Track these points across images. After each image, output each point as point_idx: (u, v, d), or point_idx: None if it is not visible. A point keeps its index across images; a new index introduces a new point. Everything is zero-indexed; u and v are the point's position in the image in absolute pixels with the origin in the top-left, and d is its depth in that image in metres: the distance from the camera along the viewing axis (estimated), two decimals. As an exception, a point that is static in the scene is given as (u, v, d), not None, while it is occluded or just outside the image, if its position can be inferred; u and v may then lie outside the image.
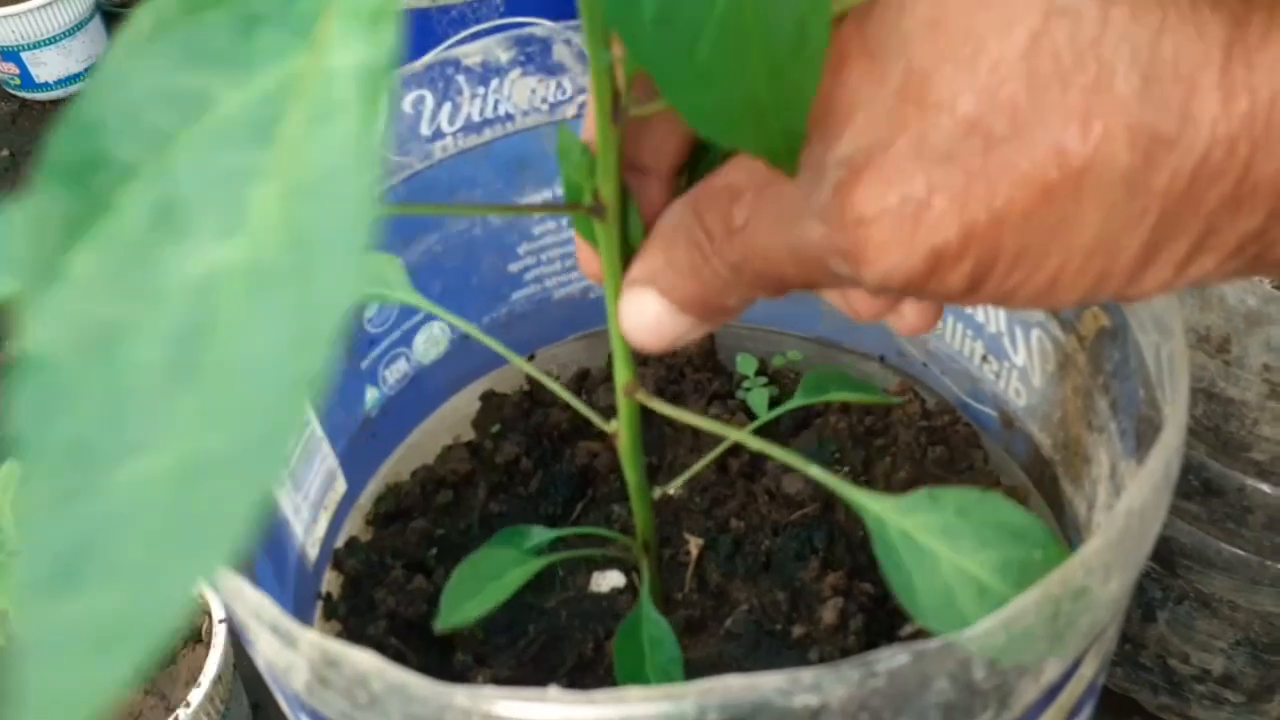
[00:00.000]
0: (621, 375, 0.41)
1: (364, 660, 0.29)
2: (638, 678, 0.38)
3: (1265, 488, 0.62)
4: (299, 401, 0.14)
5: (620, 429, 0.42)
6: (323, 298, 0.14)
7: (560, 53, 0.51)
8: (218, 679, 0.72)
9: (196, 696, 0.71)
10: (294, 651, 0.31)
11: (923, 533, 0.30)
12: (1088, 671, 0.34)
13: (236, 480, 0.14)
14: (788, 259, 0.28)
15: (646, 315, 0.31)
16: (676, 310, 0.31)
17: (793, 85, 0.23)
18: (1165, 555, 0.67)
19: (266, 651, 0.32)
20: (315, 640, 0.30)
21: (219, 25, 0.16)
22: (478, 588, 0.39)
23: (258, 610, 0.31)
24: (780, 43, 0.22)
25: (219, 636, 0.73)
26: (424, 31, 0.63)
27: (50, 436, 0.15)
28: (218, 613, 0.74)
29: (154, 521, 0.14)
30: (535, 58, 0.51)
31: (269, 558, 0.44)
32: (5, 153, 1.32)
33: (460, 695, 0.28)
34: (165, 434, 0.15)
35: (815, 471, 0.35)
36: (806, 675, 0.27)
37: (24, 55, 1.33)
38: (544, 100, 0.53)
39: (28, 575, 0.14)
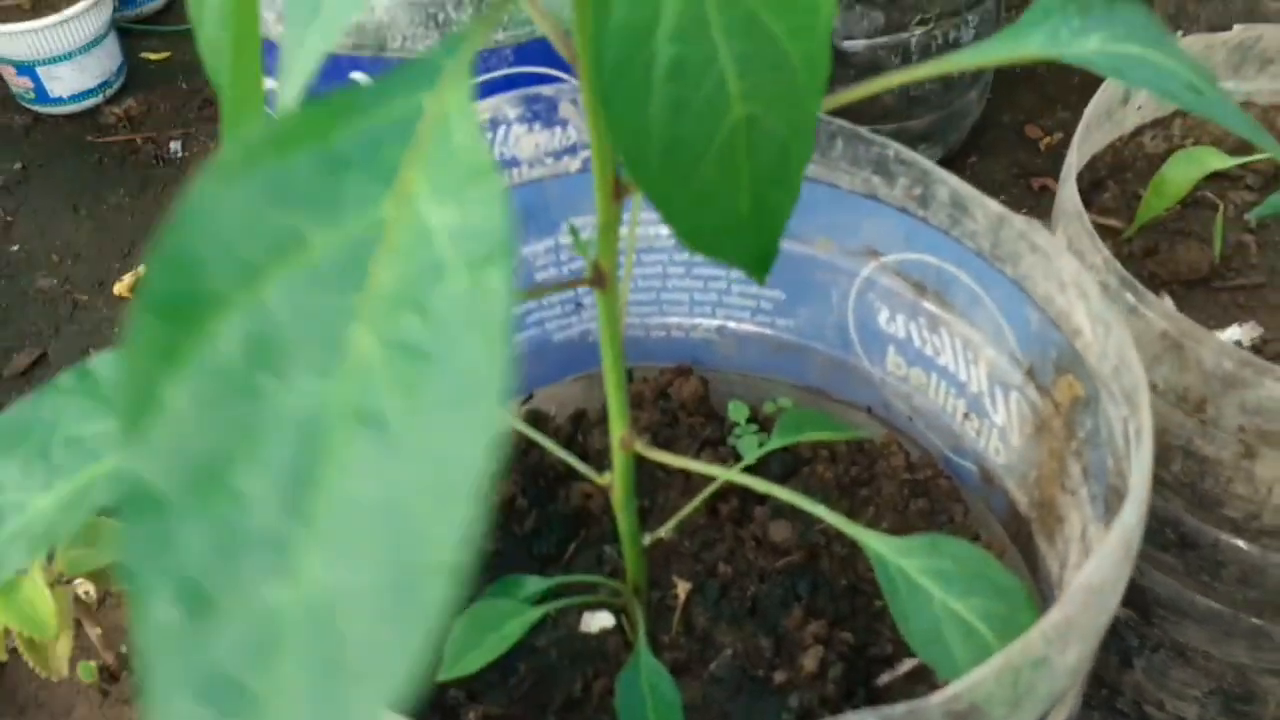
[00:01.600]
0: (617, 428, 0.43)
1: None
2: (636, 723, 0.40)
3: (1239, 543, 0.63)
4: (441, 552, 0.15)
5: (615, 480, 0.44)
6: (451, 448, 0.15)
7: (566, 110, 0.53)
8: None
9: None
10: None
11: (918, 573, 0.32)
12: (1051, 731, 0.36)
13: (381, 616, 0.15)
14: None
15: None
16: None
17: (773, 207, 0.25)
18: (1142, 604, 0.68)
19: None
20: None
21: (307, 165, 0.17)
22: (478, 639, 0.41)
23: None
24: (765, 168, 0.24)
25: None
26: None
27: (164, 570, 0.15)
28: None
29: (309, 651, 0.15)
30: (541, 114, 0.53)
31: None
32: (18, 165, 1.34)
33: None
34: (293, 569, 0.15)
35: (822, 511, 0.37)
36: (778, 736, 0.29)
37: (39, 70, 1.35)
38: (548, 153, 0.55)
39: (178, 708, 0.15)
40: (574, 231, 0.38)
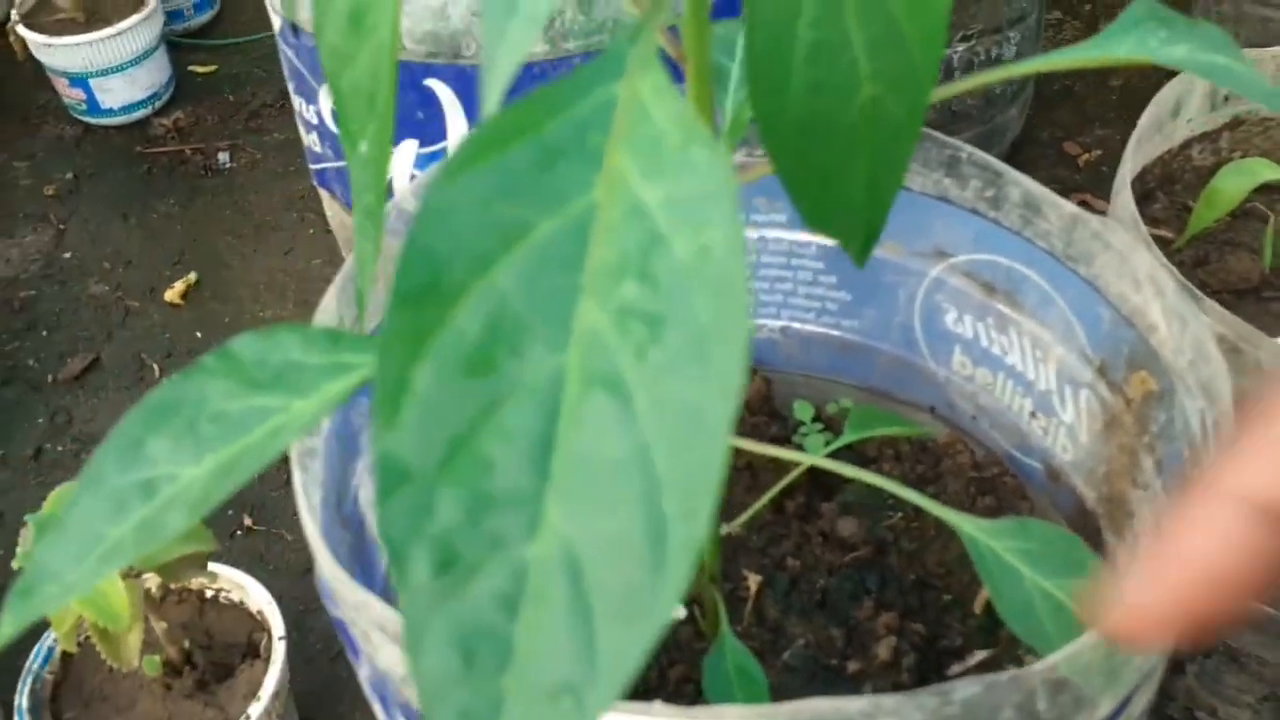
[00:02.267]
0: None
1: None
2: (728, 701, 0.41)
3: (1294, 547, 0.64)
4: (690, 499, 0.16)
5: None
6: (691, 403, 0.16)
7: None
8: (275, 694, 0.75)
9: (255, 710, 0.74)
10: (414, 662, 0.34)
11: (1007, 553, 0.34)
12: (1135, 711, 0.37)
13: (631, 562, 0.16)
14: None
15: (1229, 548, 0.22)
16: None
17: (884, 188, 0.27)
18: (1195, 608, 0.69)
19: (385, 662, 0.35)
20: (436, 653, 0.33)
21: (522, 158, 0.18)
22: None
23: (382, 623, 0.34)
24: (883, 149, 0.26)
25: (278, 653, 0.76)
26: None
27: (421, 537, 0.16)
28: (277, 630, 0.77)
29: (558, 600, 0.16)
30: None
31: (363, 577, 0.47)
32: (69, 175, 1.37)
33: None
34: (539, 524, 0.16)
35: (910, 494, 0.38)
36: (888, 701, 0.30)
37: (92, 82, 1.38)
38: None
39: (440, 660, 0.16)
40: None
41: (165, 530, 0.26)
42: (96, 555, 0.25)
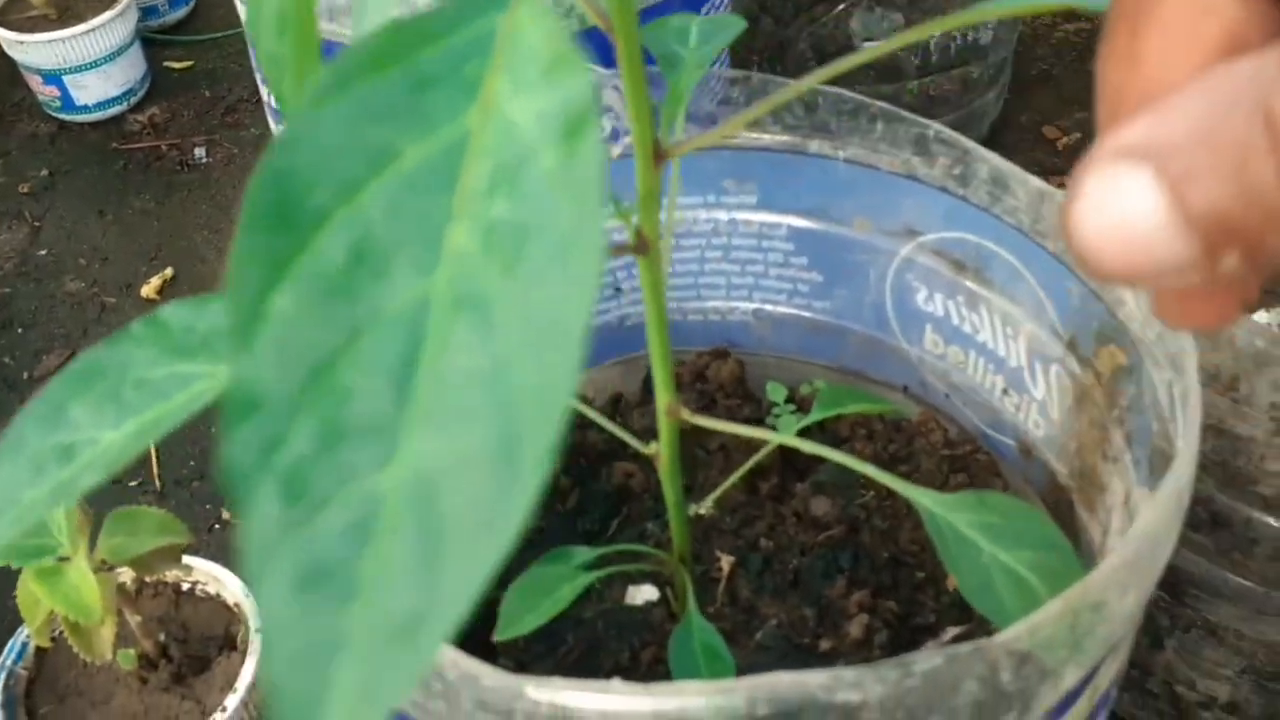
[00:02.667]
0: (663, 397, 0.44)
1: (441, 651, 0.32)
2: (694, 679, 0.40)
3: (1271, 521, 0.64)
4: (541, 410, 0.16)
5: (661, 449, 0.45)
6: (551, 313, 0.16)
7: (609, 96, 0.54)
8: (252, 686, 0.74)
9: (232, 702, 0.73)
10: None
11: (966, 526, 0.33)
12: (1102, 682, 0.37)
13: (483, 484, 0.15)
14: None
15: (1129, 209, 0.19)
16: (1180, 220, 0.18)
17: None
18: (1174, 584, 0.69)
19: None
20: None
21: (394, 85, 0.18)
22: (534, 603, 0.42)
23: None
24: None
25: (255, 645, 0.75)
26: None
27: (270, 469, 0.16)
28: (253, 622, 0.77)
29: (409, 529, 0.15)
30: (585, 98, 0.54)
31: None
32: (44, 173, 1.36)
33: (529, 686, 0.31)
34: (395, 451, 0.16)
35: (870, 469, 0.37)
36: (848, 674, 0.30)
37: (66, 79, 1.37)
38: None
39: (281, 600, 0.15)
40: (615, 203, 0.39)
41: (77, 491, 0.26)
42: (10, 517, 0.24)
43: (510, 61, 0.18)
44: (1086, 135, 1.31)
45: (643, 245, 0.39)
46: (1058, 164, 1.28)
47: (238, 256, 0.17)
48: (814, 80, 0.32)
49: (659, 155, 0.36)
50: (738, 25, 0.49)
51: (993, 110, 1.26)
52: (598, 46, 0.70)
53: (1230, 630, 0.68)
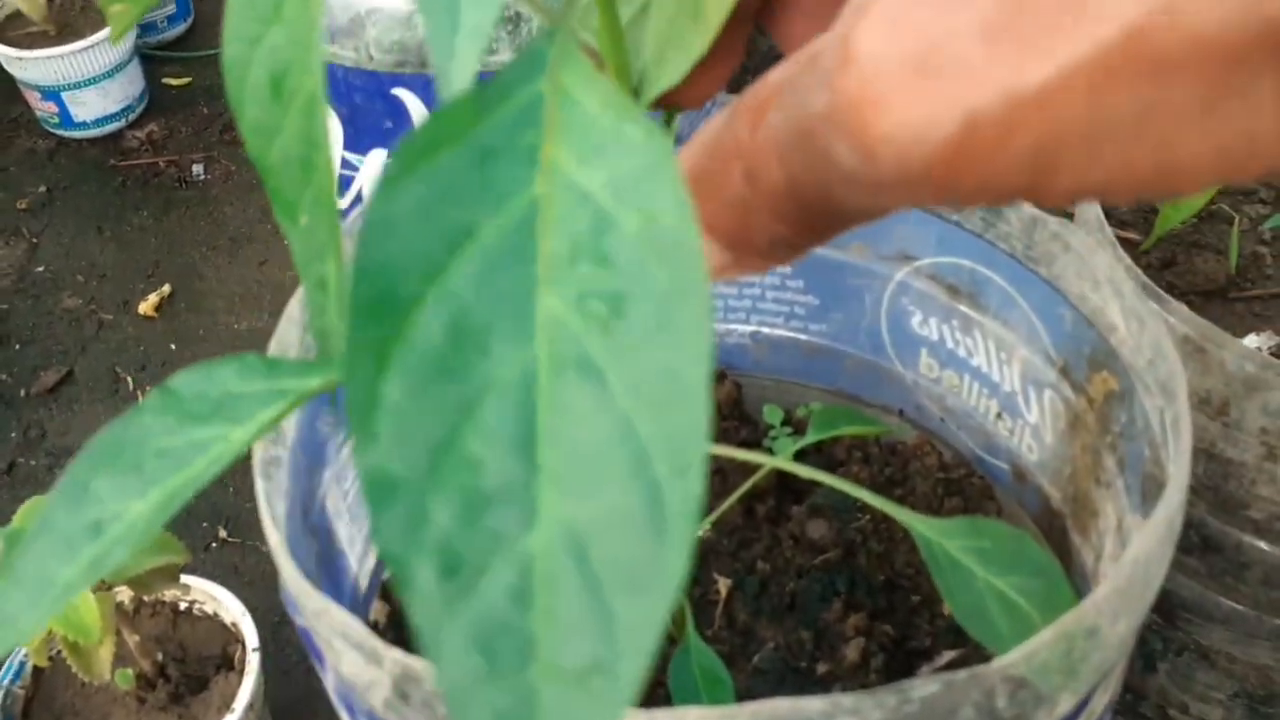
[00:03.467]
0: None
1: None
2: (694, 703, 0.41)
3: (1262, 545, 0.65)
4: (682, 455, 0.16)
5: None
6: (667, 371, 0.16)
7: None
8: (250, 706, 0.74)
9: (230, 721, 0.73)
10: (378, 668, 0.34)
11: (960, 552, 0.34)
12: (1097, 707, 0.37)
13: (636, 531, 0.16)
14: (795, 152, 0.21)
15: None
16: (704, 230, 0.24)
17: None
18: (1166, 608, 0.70)
19: (348, 669, 0.35)
20: (399, 658, 0.33)
21: (459, 161, 0.18)
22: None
23: (344, 630, 0.34)
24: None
25: (252, 664, 0.76)
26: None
27: (420, 547, 0.16)
28: (251, 641, 0.77)
29: (569, 584, 0.16)
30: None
31: (329, 586, 0.47)
32: (42, 189, 1.36)
33: (533, 711, 0.31)
34: (536, 514, 0.16)
35: (865, 494, 0.38)
36: (846, 700, 0.31)
37: (64, 95, 1.37)
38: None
39: (461, 671, 0.16)
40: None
41: (110, 565, 0.26)
42: (49, 598, 0.25)
43: (566, 128, 0.19)
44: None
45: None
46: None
47: (348, 350, 0.17)
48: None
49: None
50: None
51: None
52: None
53: (1222, 654, 0.69)
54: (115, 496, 0.26)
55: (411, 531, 0.16)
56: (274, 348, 0.43)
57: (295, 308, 0.45)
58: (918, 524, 0.37)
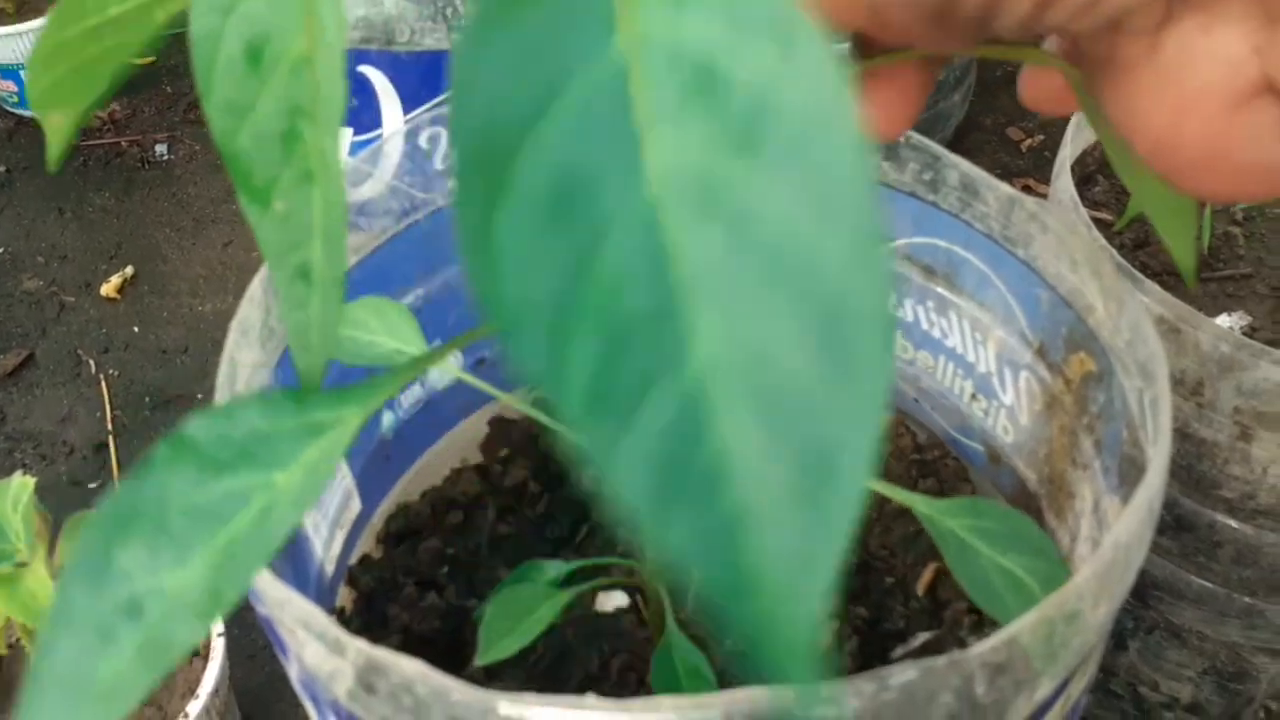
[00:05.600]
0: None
1: (410, 667, 0.31)
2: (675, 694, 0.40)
3: (1233, 524, 0.65)
4: (860, 275, 0.15)
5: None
6: (820, 187, 0.15)
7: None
8: (215, 691, 0.73)
9: (194, 708, 0.72)
10: (341, 658, 0.33)
11: (965, 531, 0.34)
12: (1074, 691, 0.37)
13: (813, 361, 0.14)
14: None
15: None
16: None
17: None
18: (1138, 587, 0.70)
19: (311, 659, 0.35)
20: (363, 648, 0.32)
21: (535, 23, 0.17)
22: (513, 624, 0.41)
23: (306, 619, 0.33)
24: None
25: (217, 650, 0.74)
26: (443, 71, 0.66)
27: (570, 374, 0.15)
28: (215, 626, 0.76)
29: (743, 400, 0.15)
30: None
31: (293, 572, 0.46)
32: (2, 169, 1.33)
33: (503, 702, 0.30)
34: (691, 338, 0.15)
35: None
36: (823, 688, 0.30)
37: (23, 73, 1.34)
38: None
39: (653, 513, 0.15)
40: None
41: (173, 646, 0.23)
42: (93, 698, 0.22)
43: None
44: (1050, 137, 1.32)
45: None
46: (1021, 165, 1.29)
47: (458, 197, 0.16)
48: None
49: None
50: None
51: (958, 112, 1.26)
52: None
53: (1193, 632, 0.69)
54: (147, 568, 0.23)
55: (556, 359, 0.15)
56: (234, 330, 0.42)
57: (257, 288, 0.43)
58: (919, 504, 0.37)
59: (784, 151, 0.15)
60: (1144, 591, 0.70)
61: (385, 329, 0.45)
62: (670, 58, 0.16)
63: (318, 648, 0.34)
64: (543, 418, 0.51)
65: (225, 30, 0.25)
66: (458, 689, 0.31)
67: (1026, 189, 1.27)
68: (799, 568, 0.15)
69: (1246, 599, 0.66)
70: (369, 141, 0.71)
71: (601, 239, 0.16)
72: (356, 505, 0.54)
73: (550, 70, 0.17)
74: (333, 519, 0.52)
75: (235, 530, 0.23)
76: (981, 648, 0.31)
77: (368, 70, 0.67)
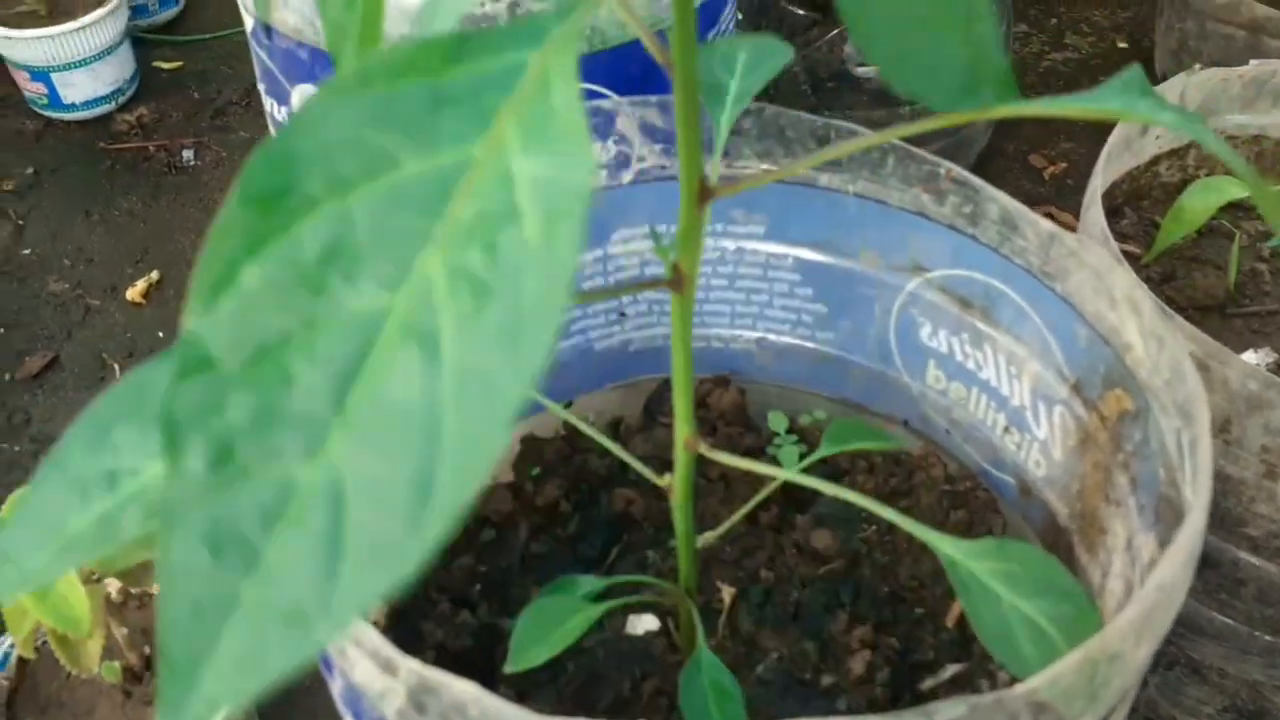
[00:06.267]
0: (682, 429, 0.44)
1: (464, 689, 0.32)
2: (704, 718, 0.41)
3: (1257, 561, 0.65)
4: (463, 470, 0.16)
5: (676, 481, 0.45)
6: (494, 377, 0.16)
7: (624, 124, 0.54)
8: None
9: (217, 717, 0.72)
10: (392, 678, 0.33)
11: (987, 575, 0.34)
12: (1111, 729, 0.37)
13: (392, 510, 0.16)
14: None
15: None
16: None
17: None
18: (1160, 622, 0.70)
19: (360, 677, 0.35)
20: (415, 668, 0.33)
21: (412, 96, 0.18)
22: (543, 635, 0.42)
23: (358, 637, 0.34)
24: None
25: (240, 659, 0.75)
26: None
27: (203, 429, 0.17)
28: (239, 635, 0.76)
29: (315, 527, 0.16)
30: (599, 127, 0.54)
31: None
32: (30, 170, 1.34)
33: (549, 725, 0.31)
34: (320, 448, 0.17)
35: (889, 513, 0.38)
36: (870, 722, 0.30)
37: (54, 76, 1.35)
38: (600, 165, 0.56)
39: (187, 552, 0.16)
40: (655, 235, 0.39)
41: (121, 531, 0.26)
42: (58, 545, 0.24)
43: (527, 108, 0.18)
44: (1072, 165, 1.32)
45: (678, 281, 0.38)
46: (1044, 193, 1.29)
47: (221, 221, 0.18)
48: (881, 138, 0.32)
49: (705, 193, 0.35)
50: (784, 54, 0.46)
51: (981, 138, 1.27)
52: (603, 74, 0.71)
53: (1214, 669, 0.69)
54: (132, 448, 0.26)
55: (202, 411, 0.17)
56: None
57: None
58: (945, 545, 0.37)
59: (490, 332, 0.18)
60: (1165, 625, 0.70)
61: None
62: (500, 182, 0.18)
63: (368, 666, 0.34)
64: (586, 428, 0.52)
65: None
66: (511, 712, 0.31)
67: (1049, 215, 1.27)
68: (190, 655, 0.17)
69: (1268, 637, 0.67)
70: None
71: (327, 320, 0.18)
72: (391, 521, 0.55)
73: (399, 142, 0.18)
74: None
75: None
76: (1026, 687, 0.31)
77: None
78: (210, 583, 0.17)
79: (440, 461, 0.17)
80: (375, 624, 0.54)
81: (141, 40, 1.48)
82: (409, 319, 0.17)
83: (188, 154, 1.35)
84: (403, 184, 0.18)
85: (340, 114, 0.18)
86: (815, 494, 0.58)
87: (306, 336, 0.17)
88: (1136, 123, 0.76)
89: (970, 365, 0.54)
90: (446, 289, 0.17)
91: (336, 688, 0.40)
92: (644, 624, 0.53)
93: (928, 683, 0.50)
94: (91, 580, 0.68)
